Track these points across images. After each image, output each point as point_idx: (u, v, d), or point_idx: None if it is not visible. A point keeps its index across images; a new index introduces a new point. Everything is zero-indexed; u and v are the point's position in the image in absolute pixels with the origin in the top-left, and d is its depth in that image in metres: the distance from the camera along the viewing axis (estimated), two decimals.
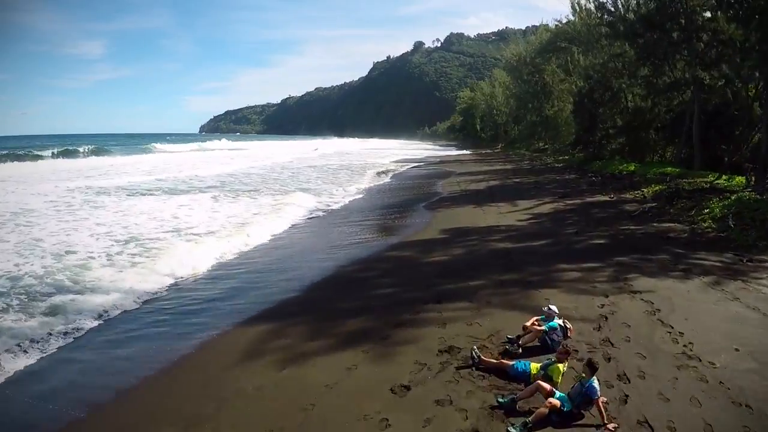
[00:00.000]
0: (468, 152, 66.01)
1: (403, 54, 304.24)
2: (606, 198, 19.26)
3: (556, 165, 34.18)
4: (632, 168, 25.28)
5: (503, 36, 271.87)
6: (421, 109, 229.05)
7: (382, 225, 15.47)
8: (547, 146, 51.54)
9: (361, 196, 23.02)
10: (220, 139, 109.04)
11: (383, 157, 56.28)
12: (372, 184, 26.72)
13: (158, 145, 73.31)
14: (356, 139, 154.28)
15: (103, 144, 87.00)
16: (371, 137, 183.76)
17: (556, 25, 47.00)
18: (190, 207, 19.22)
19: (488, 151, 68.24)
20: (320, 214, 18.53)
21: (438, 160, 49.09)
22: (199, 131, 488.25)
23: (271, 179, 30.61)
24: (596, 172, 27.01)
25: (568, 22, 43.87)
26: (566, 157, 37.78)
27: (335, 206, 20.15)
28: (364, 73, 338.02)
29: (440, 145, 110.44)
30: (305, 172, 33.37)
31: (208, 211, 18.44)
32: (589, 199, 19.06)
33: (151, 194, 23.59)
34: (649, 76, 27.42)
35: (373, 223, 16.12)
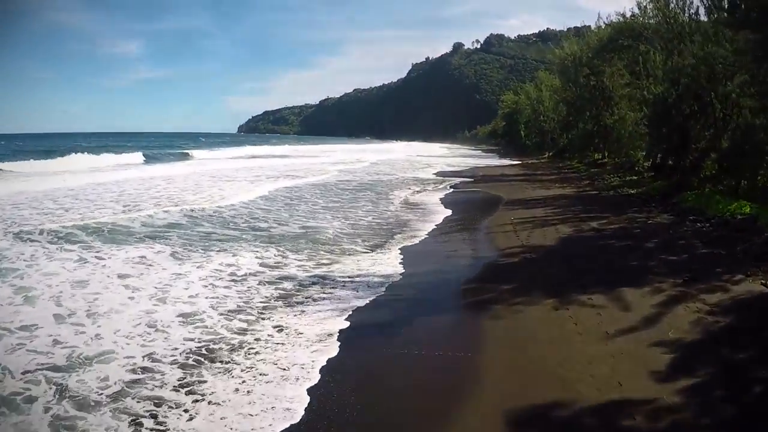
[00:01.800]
0: (513, 163, 58.76)
1: (442, 55, 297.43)
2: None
3: (630, 192, 26.27)
4: (747, 209, 17.85)
5: (544, 37, 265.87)
6: (460, 112, 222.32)
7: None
8: (605, 160, 44.24)
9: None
10: (260, 143, 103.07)
11: (425, 167, 51.16)
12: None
13: (196, 152, 67.21)
14: (398, 143, 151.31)
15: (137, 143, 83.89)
16: (411, 140, 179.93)
17: (618, 20, 40.11)
18: None
19: (534, 161, 60.97)
20: None
21: (481, 175, 42.04)
22: (238, 131, 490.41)
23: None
24: (696, 213, 19.34)
25: (634, 16, 36.97)
26: (634, 178, 30.78)
27: None
28: (403, 74, 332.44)
29: (482, 151, 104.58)
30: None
31: None
32: (738, 291, 10.69)
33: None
34: None
35: None
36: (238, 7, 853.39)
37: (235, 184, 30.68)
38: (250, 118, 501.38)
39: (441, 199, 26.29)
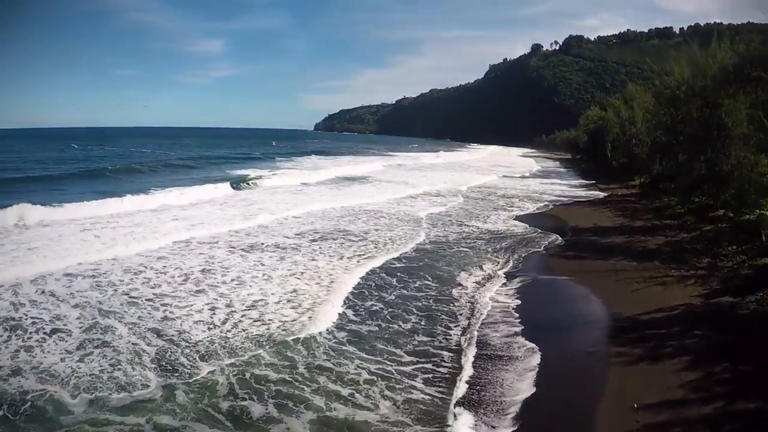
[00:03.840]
0: (599, 195, 50.05)
1: (520, 56, 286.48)
2: None
3: None
4: None
5: (624, 39, 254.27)
6: (538, 115, 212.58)
7: None
8: (719, 212, 35.23)
9: None
10: (334, 151, 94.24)
11: (508, 189, 48.18)
12: None
13: (262, 180, 49.19)
14: (478, 151, 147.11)
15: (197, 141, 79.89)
16: (489, 144, 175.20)
17: (745, 47, 31.60)
18: None
19: (623, 190, 52.21)
20: None
21: (564, 217, 35.88)
22: (314, 128, 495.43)
23: None
24: None
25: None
26: None
27: None
28: (480, 75, 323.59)
29: (560, 163, 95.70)
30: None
31: None
32: None
33: None
34: None
35: None
36: (316, 7, 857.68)
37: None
38: (327, 116, 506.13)
39: (515, 305, 18.73)
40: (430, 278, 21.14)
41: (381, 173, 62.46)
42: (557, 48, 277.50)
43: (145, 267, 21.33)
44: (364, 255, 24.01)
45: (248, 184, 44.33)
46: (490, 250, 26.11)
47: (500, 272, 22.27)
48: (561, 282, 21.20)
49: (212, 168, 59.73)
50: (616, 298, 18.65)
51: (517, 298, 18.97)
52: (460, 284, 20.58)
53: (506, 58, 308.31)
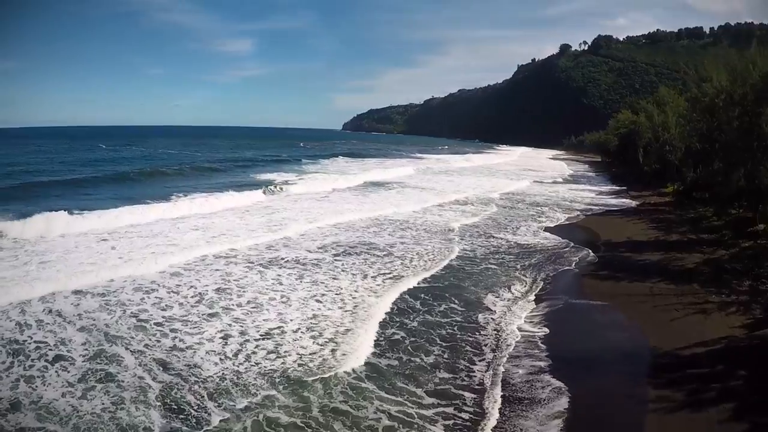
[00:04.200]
0: (631, 203, 47.75)
1: (548, 57, 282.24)
2: None
3: None
4: None
5: (654, 39, 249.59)
6: (567, 116, 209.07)
7: None
8: (759, 226, 33.04)
9: None
10: (363, 153, 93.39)
11: (538, 196, 46.94)
12: None
13: (287, 187, 45.75)
14: (505, 148, 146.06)
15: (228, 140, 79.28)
16: (517, 146, 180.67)
17: None
18: None
19: (656, 198, 49.98)
20: None
21: (596, 229, 33.92)
22: (342, 128, 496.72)
23: None
24: None
25: None
26: None
27: None
28: (508, 75, 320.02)
29: (589, 166, 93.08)
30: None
31: None
32: None
33: None
34: None
35: None
36: (343, 7, 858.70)
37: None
38: (355, 116, 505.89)
39: (543, 335, 17.07)
40: (456, 301, 19.68)
41: (409, 178, 60.45)
42: (586, 48, 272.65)
43: (158, 285, 20.14)
44: (388, 274, 22.49)
45: (273, 190, 42.75)
46: (518, 267, 24.55)
47: (529, 294, 20.79)
48: (594, 307, 19.54)
49: (238, 172, 58.55)
50: (654, 329, 17.09)
51: (546, 326, 17.49)
52: (487, 308, 19.14)
53: (534, 59, 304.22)
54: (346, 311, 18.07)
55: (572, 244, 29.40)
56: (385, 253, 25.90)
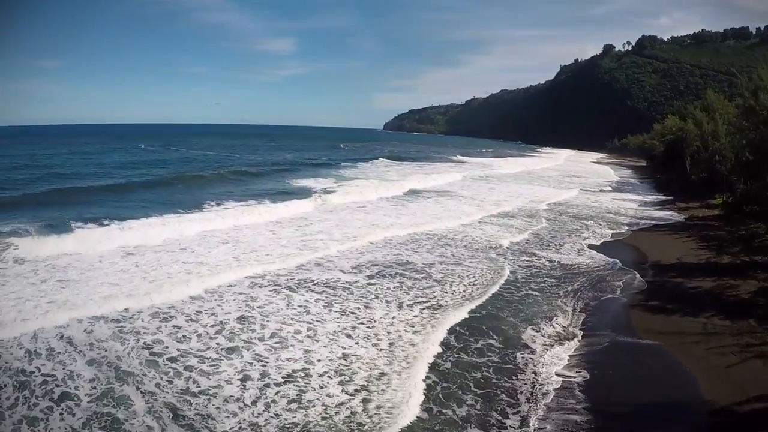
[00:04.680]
0: (679, 215, 44.94)
1: (591, 57, 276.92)
2: None
3: None
4: None
5: (699, 39, 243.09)
6: (610, 118, 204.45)
7: None
8: None
9: None
10: (405, 157, 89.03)
11: (582, 207, 44.97)
12: None
13: (324, 197, 42.37)
14: (548, 151, 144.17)
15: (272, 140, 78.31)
16: (560, 148, 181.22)
17: None
18: None
19: (705, 211, 46.78)
20: None
21: (644, 248, 31.29)
22: (383, 128, 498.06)
23: None
24: None
25: None
26: None
27: None
28: (550, 75, 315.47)
29: (633, 171, 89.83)
30: None
31: None
32: None
33: None
34: None
35: None
36: (384, 6, 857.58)
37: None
38: (396, 116, 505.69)
39: (584, 380, 15.10)
40: (494, 336, 17.77)
41: (450, 186, 57.27)
42: (630, 49, 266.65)
43: (177, 311, 18.58)
44: (426, 302, 20.48)
45: (309, 200, 40.77)
46: (561, 293, 22.47)
47: (571, 328, 18.77)
48: (642, 348, 17.39)
49: (275, 177, 56.83)
50: (709, 377, 15.07)
51: (587, 369, 15.55)
52: (526, 345, 17.23)
53: (577, 59, 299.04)
54: (380, 350, 16.20)
55: (619, 264, 27.23)
56: (422, 275, 23.89)
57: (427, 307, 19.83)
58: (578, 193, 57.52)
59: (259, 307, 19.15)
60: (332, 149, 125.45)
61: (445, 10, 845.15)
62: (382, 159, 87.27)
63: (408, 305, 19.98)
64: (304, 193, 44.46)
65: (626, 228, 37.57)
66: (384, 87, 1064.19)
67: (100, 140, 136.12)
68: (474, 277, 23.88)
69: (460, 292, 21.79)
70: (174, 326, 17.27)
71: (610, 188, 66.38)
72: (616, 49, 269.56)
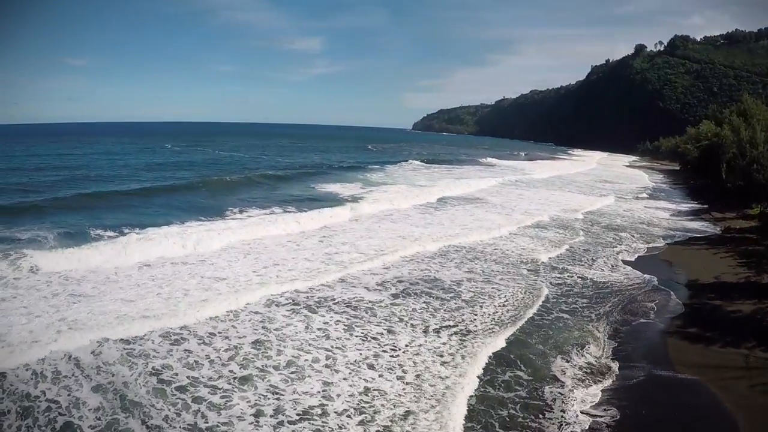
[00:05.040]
0: (716, 227, 42.33)
1: (623, 58, 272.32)
2: None
3: None
4: None
5: (732, 39, 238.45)
6: (641, 120, 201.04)
7: None
8: None
9: None
10: (437, 161, 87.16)
11: (614, 216, 43.19)
12: None
13: (349, 205, 40.23)
14: (580, 153, 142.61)
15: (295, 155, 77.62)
16: (591, 150, 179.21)
17: None
18: None
19: (742, 222, 44.40)
20: None
21: (680, 264, 29.31)
22: (412, 128, 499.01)
23: None
24: None
25: None
26: None
27: None
28: (580, 75, 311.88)
29: (664, 175, 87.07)
30: None
31: None
32: None
33: None
34: None
35: None
36: (412, 5, 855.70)
37: None
38: (425, 116, 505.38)
39: (614, 422, 13.73)
40: (521, 367, 16.41)
41: (480, 192, 54.77)
42: (662, 49, 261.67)
43: (189, 332, 17.53)
44: (454, 327, 19.09)
45: (336, 207, 38.99)
46: (593, 316, 20.97)
47: (603, 360, 17.24)
48: (679, 384, 15.90)
49: (301, 181, 55.46)
50: (752, 420, 13.69)
51: (619, 407, 14.20)
52: (555, 377, 15.85)
53: (608, 59, 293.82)
54: (406, 384, 14.88)
55: (654, 282, 25.56)
56: (451, 294, 22.48)
57: (456, 333, 18.42)
58: (614, 201, 54.86)
59: (275, 330, 17.98)
60: (360, 150, 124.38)
61: (475, 9, 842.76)
62: (410, 162, 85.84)
63: (435, 330, 18.60)
64: (330, 200, 43.26)
65: (661, 240, 35.53)
66: (412, 86, 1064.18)
67: (128, 139, 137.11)
68: (505, 297, 22.36)
69: (489, 314, 20.30)
70: (185, 350, 16.21)
71: (646, 195, 63.39)
72: (648, 49, 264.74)
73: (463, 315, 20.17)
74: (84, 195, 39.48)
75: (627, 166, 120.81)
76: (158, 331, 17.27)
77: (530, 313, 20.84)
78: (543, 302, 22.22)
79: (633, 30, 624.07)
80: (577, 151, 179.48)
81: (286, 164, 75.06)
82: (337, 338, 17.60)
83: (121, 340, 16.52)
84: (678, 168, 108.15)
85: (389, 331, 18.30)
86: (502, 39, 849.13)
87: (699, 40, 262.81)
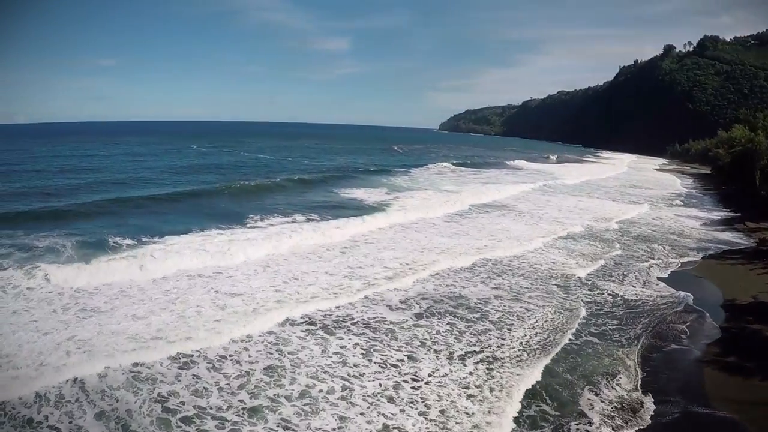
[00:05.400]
0: (750, 239, 39.51)
1: (651, 58, 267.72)
2: None
3: None
4: None
5: (762, 40, 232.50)
6: (670, 122, 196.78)
7: None
8: None
9: None
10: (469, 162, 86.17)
11: (643, 226, 40.09)
12: None
13: (374, 216, 38.00)
14: (609, 155, 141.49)
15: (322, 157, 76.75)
16: (620, 152, 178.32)
17: None
18: None
19: None
20: None
21: (715, 281, 27.49)
22: (439, 128, 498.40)
23: None
24: None
25: None
26: None
27: None
28: (608, 76, 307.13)
29: (701, 185, 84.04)
30: None
31: None
32: None
33: None
34: None
35: None
36: (439, 5, 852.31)
37: None
38: (452, 116, 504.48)
39: None
40: (547, 400, 15.15)
41: (509, 199, 52.19)
42: (691, 50, 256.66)
43: (200, 354, 16.52)
44: (480, 353, 17.79)
45: (360, 217, 36.97)
46: (624, 340, 19.54)
47: (634, 394, 15.79)
48: (717, 423, 14.49)
49: (326, 186, 53.63)
50: None
51: None
52: (582, 413, 14.56)
53: (637, 60, 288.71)
54: (429, 421, 13.70)
55: (688, 301, 23.94)
56: (477, 314, 21.14)
57: (482, 360, 17.10)
58: (647, 209, 52.03)
59: (290, 353, 16.87)
60: (386, 152, 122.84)
61: (502, 8, 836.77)
62: (436, 165, 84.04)
63: (460, 356, 17.29)
64: (354, 207, 41.72)
65: (695, 253, 33.58)
66: (439, 86, 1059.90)
67: (154, 139, 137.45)
68: (535, 318, 20.95)
69: (518, 338, 18.94)
70: (194, 375, 15.24)
71: (680, 202, 60.33)
72: (677, 50, 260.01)
73: (489, 339, 18.84)
74: (106, 200, 38.79)
75: (657, 169, 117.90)
76: (167, 353, 16.31)
77: (563, 339, 19.35)
78: (570, 324, 20.85)
79: (661, 30, 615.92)
80: (606, 153, 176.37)
81: (311, 167, 73.95)
82: (355, 365, 16.42)
83: (129, 362, 15.70)
84: (709, 172, 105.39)
85: (410, 358, 17.04)
86: (530, 39, 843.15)
87: (729, 40, 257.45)
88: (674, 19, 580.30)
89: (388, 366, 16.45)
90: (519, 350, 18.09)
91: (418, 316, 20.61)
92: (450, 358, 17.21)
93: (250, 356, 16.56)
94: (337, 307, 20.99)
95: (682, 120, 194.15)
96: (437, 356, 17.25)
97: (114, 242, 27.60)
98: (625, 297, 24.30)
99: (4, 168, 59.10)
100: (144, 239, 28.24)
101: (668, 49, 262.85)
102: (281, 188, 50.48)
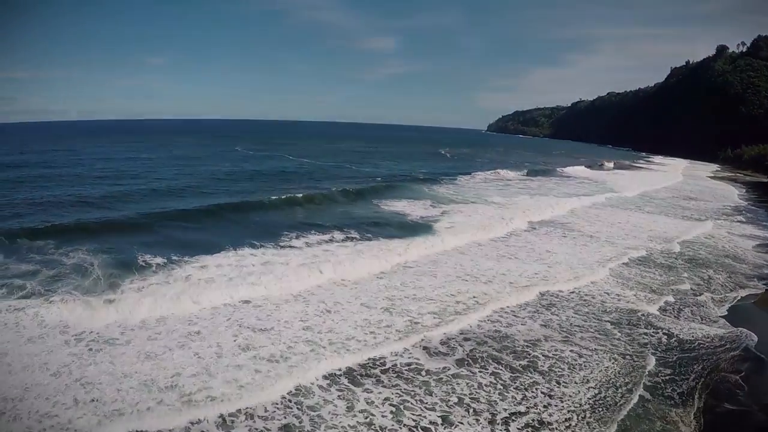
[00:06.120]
0: None
1: (703, 59, 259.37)
2: None
3: None
4: None
5: None
6: (722, 126, 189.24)
7: None
8: None
9: None
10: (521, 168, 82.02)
11: (699, 246, 35.65)
12: None
13: (415, 240, 33.60)
14: (660, 160, 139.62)
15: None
16: (671, 156, 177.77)
17: None
18: None
19: None
20: None
21: None
22: (487, 128, 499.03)
23: None
24: None
25: None
26: None
27: None
28: (658, 76, 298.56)
29: (754, 196, 79.39)
30: None
31: None
32: None
33: None
34: None
35: None
36: (488, 3, 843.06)
37: None
38: (500, 117, 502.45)
39: None
40: None
41: (561, 216, 47.70)
42: (744, 50, 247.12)
43: (207, 422, 14.43)
44: (525, 413, 15.35)
45: (403, 235, 34.42)
46: (676, 396, 16.74)
47: None
48: None
49: (367, 197, 50.31)
50: None
51: None
52: None
53: (689, 60, 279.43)
54: None
55: (751, 345, 20.58)
56: (523, 360, 18.48)
57: (527, 425, 14.72)
58: (711, 227, 46.49)
59: (309, 408, 14.78)
60: (432, 156, 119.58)
61: (551, 7, 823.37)
62: (484, 172, 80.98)
63: (503, 420, 14.89)
64: (396, 224, 38.73)
65: (756, 282, 29.62)
66: (487, 87, 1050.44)
67: (199, 139, 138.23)
68: (590, 368, 18.21)
69: (569, 396, 16.36)
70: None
71: (743, 219, 54.00)
72: (730, 51, 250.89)
73: (537, 395, 16.27)
74: (140, 213, 37.46)
75: (711, 177, 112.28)
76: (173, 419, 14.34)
77: (621, 410, 16.04)
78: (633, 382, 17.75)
79: (713, 29, 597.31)
80: (658, 158, 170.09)
81: (353, 174, 71.91)
82: (382, 427, 14.23)
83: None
84: (765, 180, 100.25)
85: (445, 420, 14.68)
86: (579, 38, 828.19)
87: None
88: (725, 18, 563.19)
89: (420, 430, 14.23)
90: (568, 412, 15.60)
91: (459, 363, 17.99)
92: (492, 422, 14.82)
93: (266, 411, 14.59)
94: (367, 347, 18.83)
95: (735, 124, 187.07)
96: (477, 419, 14.86)
97: (143, 261, 26.20)
98: (680, 337, 21.11)
99: (48, 171, 58.81)
100: (174, 257, 26.71)
101: (721, 49, 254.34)
102: (321, 200, 48.34)
